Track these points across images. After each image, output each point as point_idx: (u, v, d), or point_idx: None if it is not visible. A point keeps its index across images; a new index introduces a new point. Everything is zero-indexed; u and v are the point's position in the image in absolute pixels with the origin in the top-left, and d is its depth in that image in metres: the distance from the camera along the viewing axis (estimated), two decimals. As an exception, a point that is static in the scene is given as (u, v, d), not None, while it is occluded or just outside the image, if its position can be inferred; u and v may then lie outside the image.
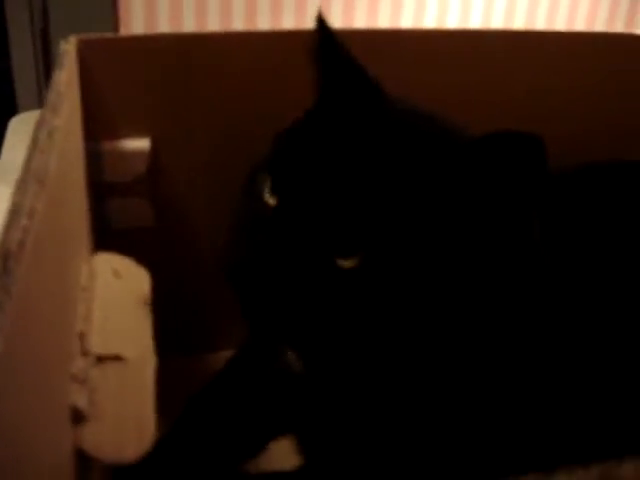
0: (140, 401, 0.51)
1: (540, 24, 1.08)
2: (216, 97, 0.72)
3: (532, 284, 0.54)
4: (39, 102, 0.58)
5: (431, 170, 0.50)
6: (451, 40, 0.79)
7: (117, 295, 0.58)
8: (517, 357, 0.54)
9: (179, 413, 0.69)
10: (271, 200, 0.52)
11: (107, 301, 0.56)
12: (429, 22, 1.01)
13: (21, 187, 0.41)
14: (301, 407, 0.63)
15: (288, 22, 0.94)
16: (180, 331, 0.75)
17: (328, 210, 0.49)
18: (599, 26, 1.11)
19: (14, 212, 0.38)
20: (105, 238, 0.71)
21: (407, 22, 1.00)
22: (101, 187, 0.71)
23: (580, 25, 1.11)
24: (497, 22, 1.04)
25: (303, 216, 0.50)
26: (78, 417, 0.47)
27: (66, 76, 0.59)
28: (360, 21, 0.98)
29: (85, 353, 0.51)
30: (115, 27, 0.94)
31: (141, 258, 0.66)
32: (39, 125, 0.49)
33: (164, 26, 0.93)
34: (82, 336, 0.52)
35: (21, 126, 1.23)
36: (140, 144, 0.71)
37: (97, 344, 0.52)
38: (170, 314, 0.68)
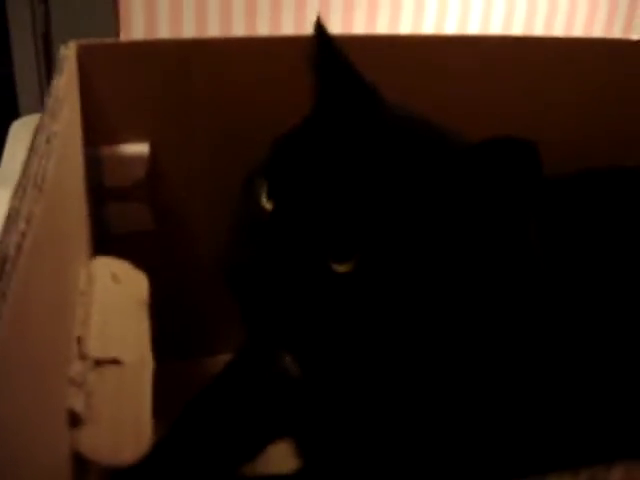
0: (137, 405, 0.51)
1: (538, 29, 1.08)
2: (215, 102, 0.73)
3: (529, 289, 0.54)
4: (41, 106, 0.59)
5: (427, 176, 0.50)
6: (449, 46, 0.79)
7: (115, 299, 0.58)
8: (512, 361, 0.54)
9: (177, 416, 0.69)
10: (268, 205, 0.53)
11: (105, 305, 0.57)
12: (428, 27, 1.01)
13: (19, 192, 0.41)
14: (299, 410, 0.63)
15: (287, 27, 0.95)
16: (179, 335, 0.75)
17: (324, 215, 0.50)
18: (597, 31, 1.11)
19: (12, 217, 0.38)
20: (104, 242, 0.71)
21: (406, 27, 1.00)
22: (100, 191, 0.71)
23: (578, 31, 1.11)
24: (495, 27, 1.05)
25: (299, 221, 0.50)
26: (75, 420, 0.48)
27: (65, 81, 0.59)
28: (359, 26, 0.98)
29: (83, 357, 0.51)
30: (116, 32, 0.94)
31: (140, 262, 0.66)
32: (38, 130, 0.49)
33: (164, 31, 0.93)
34: (80, 340, 0.52)
35: (22, 130, 1.23)
36: (139, 149, 0.71)
37: (95, 348, 0.52)
38: (169, 318, 0.68)
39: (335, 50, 0.59)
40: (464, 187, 0.50)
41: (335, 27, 1.00)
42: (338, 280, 0.49)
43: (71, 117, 0.61)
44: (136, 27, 0.93)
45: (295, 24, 0.95)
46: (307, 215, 0.50)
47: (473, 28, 1.04)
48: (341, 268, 0.49)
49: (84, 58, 0.68)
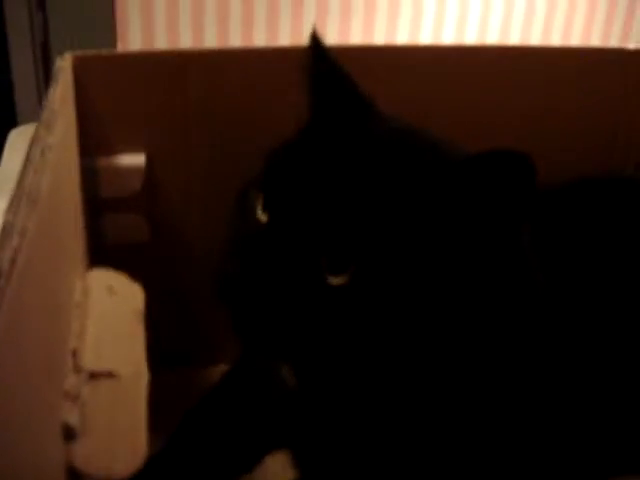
0: (132, 418, 0.51)
1: (535, 39, 1.08)
2: (212, 113, 0.73)
3: (525, 300, 0.54)
4: (39, 115, 0.59)
5: (422, 188, 0.50)
6: (447, 56, 0.79)
7: (111, 311, 0.58)
8: (508, 375, 0.54)
9: (174, 427, 0.69)
10: (263, 217, 0.53)
11: (101, 317, 0.56)
12: (425, 37, 1.02)
13: (13, 206, 0.41)
14: (296, 421, 0.63)
15: (284, 38, 0.95)
16: (175, 345, 0.75)
17: (319, 227, 0.50)
18: (595, 41, 1.11)
19: (6, 231, 0.38)
20: (100, 253, 0.71)
21: (403, 37, 1.01)
22: (96, 202, 0.71)
23: (575, 40, 1.11)
24: (492, 37, 1.05)
25: (294, 233, 0.50)
26: (70, 434, 0.47)
27: (60, 93, 0.59)
28: (356, 36, 0.99)
29: (78, 370, 0.51)
30: (113, 41, 0.94)
31: (136, 273, 0.66)
32: (33, 143, 0.49)
33: (161, 40, 0.94)
34: (75, 352, 0.52)
35: (20, 139, 1.23)
36: (136, 160, 0.71)
37: (90, 361, 0.52)
38: (165, 328, 0.68)
39: (330, 61, 0.59)
40: (459, 200, 0.50)
41: (332, 37, 1.01)
42: (333, 293, 0.49)
43: (66, 128, 0.61)
44: (133, 36, 0.93)
45: (292, 34, 0.95)
46: (302, 227, 0.50)
47: (470, 37, 1.04)
48: (336, 280, 0.49)
49: (80, 69, 0.68)
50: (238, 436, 0.69)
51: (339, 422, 0.57)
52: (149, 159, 0.72)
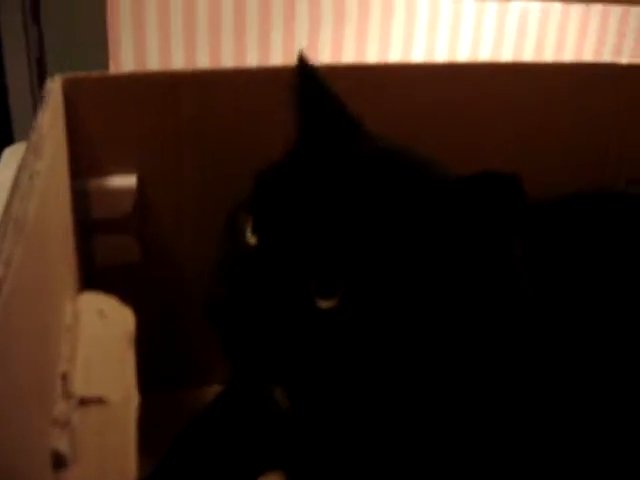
0: (122, 444, 0.51)
1: (528, 54, 1.08)
2: (204, 134, 0.73)
3: (517, 319, 0.54)
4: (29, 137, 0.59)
5: (411, 210, 0.50)
6: (438, 74, 0.79)
7: (101, 335, 0.58)
8: (501, 395, 0.54)
9: (165, 451, 0.68)
10: (252, 239, 0.53)
11: (91, 341, 0.56)
12: (417, 54, 1.02)
13: (0, 233, 0.41)
14: (288, 442, 0.63)
15: (276, 55, 0.95)
16: (166, 367, 0.75)
17: (308, 250, 0.50)
18: (587, 55, 1.11)
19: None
20: (92, 274, 0.71)
21: (395, 53, 1.01)
22: (87, 224, 0.71)
23: (568, 55, 1.11)
24: (485, 52, 1.05)
25: (283, 256, 0.50)
26: (59, 462, 0.47)
27: (50, 116, 0.59)
28: (348, 53, 0.99)
29: (68, 395, 0.51)
30: (105, 60, 0.94)
31: (128, 294, 0.66)
32: (21, 169, 0.49)
33: (153, 59, 0.94)
34: (65, 378, 0.52)
35: (14, 158, 1.23)
36: (127, 181, 0.71)
37: (80, 386, 0.52)
38: (156, 350, 0.68)
39: (318, 82, 0.59)
40: (448, 221, 0.50)
41: (324, 54, 1.01)
42: (323, 316, 0.49)
43: (56, 151, 0.61)
44: (125, 55, 0.93)
45: (284, 51, 0.95)
46: (291, 250, 0.50)
47: (463, 53, 1.05)
48: (326, 304, 0.49)
49: (70, 91, 0.67)
50: (230, 458, 0.69)
51: (333, 443, 0.57)
52: (140, 180, 0.72)
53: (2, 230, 0.41)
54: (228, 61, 0.94)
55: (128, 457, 0.50)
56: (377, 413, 0.52)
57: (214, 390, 0.72)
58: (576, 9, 1.09)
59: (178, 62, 0.94)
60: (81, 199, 0.70)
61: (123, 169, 0.71)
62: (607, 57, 1.12)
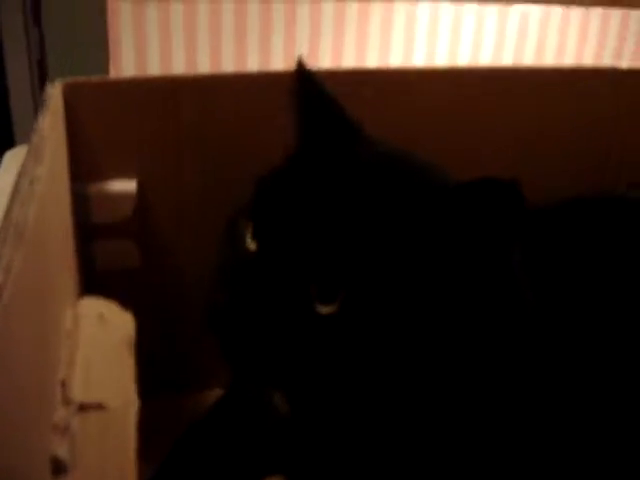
0: (122, 449, 0.51)
1: (529, 57, 1.08)
2: (204, 139, 0.73)
3: (514, 319, 0.54)
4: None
5: (411, 215, 0.50)
6: (438, 78, 0.79)
7: (101, 341, 0.57)
8: (502, 403, 0.54)
9: (165, 455, 0.68)
10: (252, 245, 0.53)
11: (91, 347, 0.56)
12: (418, 57, 1.02)
13: (0, 239, 0.41)
14: (289, 447, 0.63)
15: (277, 59, 0.95)
16: (166, 372, 0.75)
17: (308, 255, 0.50)
18: (588, 59, 1.11)
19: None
20: (92, 278, 0.71)
21: (396, 57, 1.01)
22: (87, 228, 0.71)
23: (569, 58, 1.11)
24: (485, 56, 1.05)
25: (283, 261, 0.50)
26: (59, 468, 0.47)
27: (50, 121, 0.59)
28: (349, 57, 0.99)
29: (67, 401, 0.51)
30: (106, 63, 0.94)
31: (128, 298, 0.66)
32: (21, 174, 0.49)
33: (154, 62, 0.94)
34: (64, 383, 0.52)
35: (14, 161, 1.23)
36: (127, 186, 0.71)
37: (79, 392, 0.52)
38: (156, 354, 0.68)
39: (317, 87, 0.59)
40: (447, 228, 0.50)
41: (325, 58, 1.01)
42: (323, 321, 0.49)
43: (56, 156, 0.61)
44: (126, 57, 0.93)
45: (285, 55, 0.95)
46: (291, 255, 0.50)
47: (463, 56, 1.05)
48: (325, 309, 0.49)
49: (71, 96, 0.68)
50: (230, 462, 0.69)
51: (332, 447, 0.57)
52: (140, 185, 0.72)
53: (2, 236, 0.41)
54: (229, 65, 0.94)
55: (128, 463, 0.50)
56: (377, 418, 0.53)
57: (215, 394, 0.72)
58: (576, 13, 1.09)
59: (179, 65, 0.94)
60: (81, 203, 0.70)
61: (123, 174, 0.71)
62: (608, 60, 1.12)
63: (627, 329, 0.60)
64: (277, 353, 0.50)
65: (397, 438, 0.54)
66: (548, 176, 0.76)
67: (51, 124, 0.59)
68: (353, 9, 0.97)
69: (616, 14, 1.11)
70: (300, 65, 0.59)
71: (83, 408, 0.51)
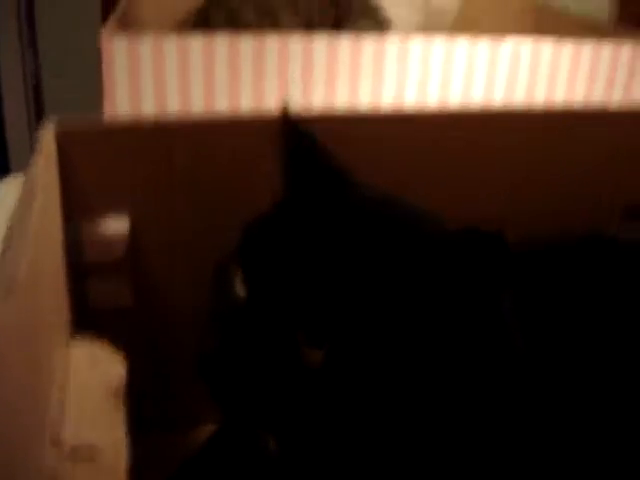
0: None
1: (520, 91, 1.09)
2: (196, 183, 0.73)
3: (504, 368, 0.54)
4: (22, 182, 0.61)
5: (399, 265, 0.51)
6: (429, 123, 0.79)
7: (91, 383, 0.58)
8: (495, 453, 0.54)
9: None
10: (241, 292, 0.53)
11: (81, 390, 0.57)
12: (410, 96, 1.03)
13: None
14: None
15: (270, 100, 0.96)
16: (157, 411, 0.75)
17: (294, 302, 0.50)
18: (579, 89, 1.12)
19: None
20: (83, 317, 0.71)
21: (388, 97, 1.02)
22: (80, 267, 0.72)
23: (560, 91, 1.12)
24: (477, 91, 1.06)
25: (271, 308, 0.51)
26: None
27: (43, 165, 0.60)
28: (342, 98, 1.00)
29: (56, 444, 0.51)
30: (100, 105, 0.95)
31: (120, 337, 0.66)
32: (14, 221, 0.50)
33: (148, 103, 0.95)
34: (54, 427, 0.52)
35: (8, 195, 1.23)
36: (120, 225, 0.72)
37: (70, 435, 0.52)
38: (147, 393, 0.68)
39: (303, 134, 0.59)
40: (434, 278, 0.50)
41: (317, 99, 1.02)
42: (308, 370, 0.50)
43: (49, 197, 0.62)
44: (120, 96, 0.94)
45: (278, 98, 0.96)
46: (279, 302, 0.51)
47: (454, 96, 1.06)
48: (313, 357, 0.50)
49: (64, 140, 0.68)
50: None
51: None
52: (133, 224, 0.72)
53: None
54: (222, 104, 0.95)
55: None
56: (364, 464, 0.53)
57: (208, 429, 0.72)
58: (567, 49, 1.10)
59: (173, 104, 0.95)
60: (74, 243, 0.70)
61: (116, 214, 0.72)
62: (599, 92, 1.13)
63: (618, 374, 0.60)
64: (265, 399, 0.51)
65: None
66: (539, 219, 0.77)
67: (44, 167, 0.60)
68: (345, 51, 0.98)
69: (607, 46, 1.12)
70: (285, 112, 0.60)
71: (73, 451, 0.51)
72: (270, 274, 0.52)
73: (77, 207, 0.70)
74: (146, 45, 0.94)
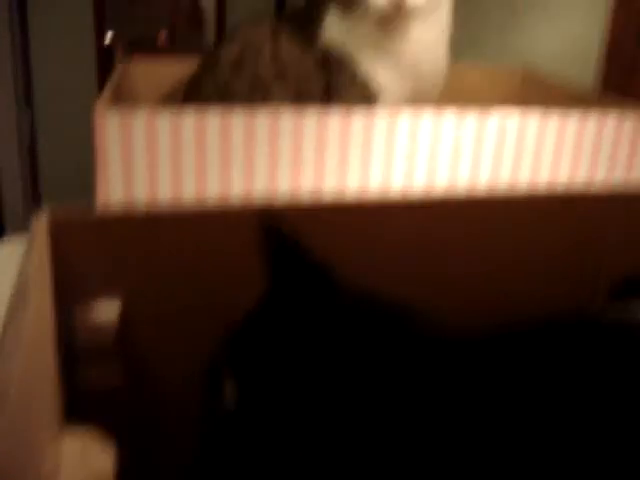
0: None
1: (505, 171, 1.11)
2: (188, 270, 0.74)
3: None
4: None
5: (384, 363, 0.52)
6: (414, 210, 0.81)
7: (81, 476, 0.59)
8: None
9: None
10: (231, 394, 0.54)
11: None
12: (398, 171, 1.05)
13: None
14: None
15: (260, 184, 0.98)
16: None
17: (283, 405, 0.51)
18: (564, 167, 1.14)
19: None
20: (74, 402, 0.72)
21: (376, 172, 1.04)
22: (71, 350, 0.72)
23: (546, 159, 1.14)
24: (464, 169, 1.08)
25: (261, 411, 0.51)
26: None
27: (35, 258, 0.61)
28: (330, 172, 1.02)
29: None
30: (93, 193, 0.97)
31: (110, 421, 0.67)
32: (6, 324, 0.51)
33: (140, 182, 0.97)
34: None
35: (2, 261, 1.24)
36: (111, 309, 0.73)
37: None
38: (139, 477, 0.69)
39: (283, 233, 0.61)
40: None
41: (307, 178, 1.03)
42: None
43: (41, 286, 0.63)
44: (114, 192, 0.96)
45: (268, 183, 0.99)
46: (268, 405, 0.51)
47: (441, 179, 1.08)
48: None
49: (56, 231, 0.70)
50: None
51: None
52: (125, 308, 0.73)
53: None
54: (213, 189, 0.97)
55: None
56: None
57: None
58: (553, 122, 1.13)
59: (164, 185, 0.97)
60: (65, 330, 0.71)
61: (107, 298, 0.73)
62: (585, 162, 1.15)
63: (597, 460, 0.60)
64: None
65: None
66: (525, 301, 0.78)
67: (37, 258, 0.61)
68: (335, 133, 1.00)
69: (593, 117, 1.14)
70: (263, 212, 0.61)
71: None
72: (257, 378, 0.52)
73: (68, 292, 0.71)
74: (139, 120, 0.95)
